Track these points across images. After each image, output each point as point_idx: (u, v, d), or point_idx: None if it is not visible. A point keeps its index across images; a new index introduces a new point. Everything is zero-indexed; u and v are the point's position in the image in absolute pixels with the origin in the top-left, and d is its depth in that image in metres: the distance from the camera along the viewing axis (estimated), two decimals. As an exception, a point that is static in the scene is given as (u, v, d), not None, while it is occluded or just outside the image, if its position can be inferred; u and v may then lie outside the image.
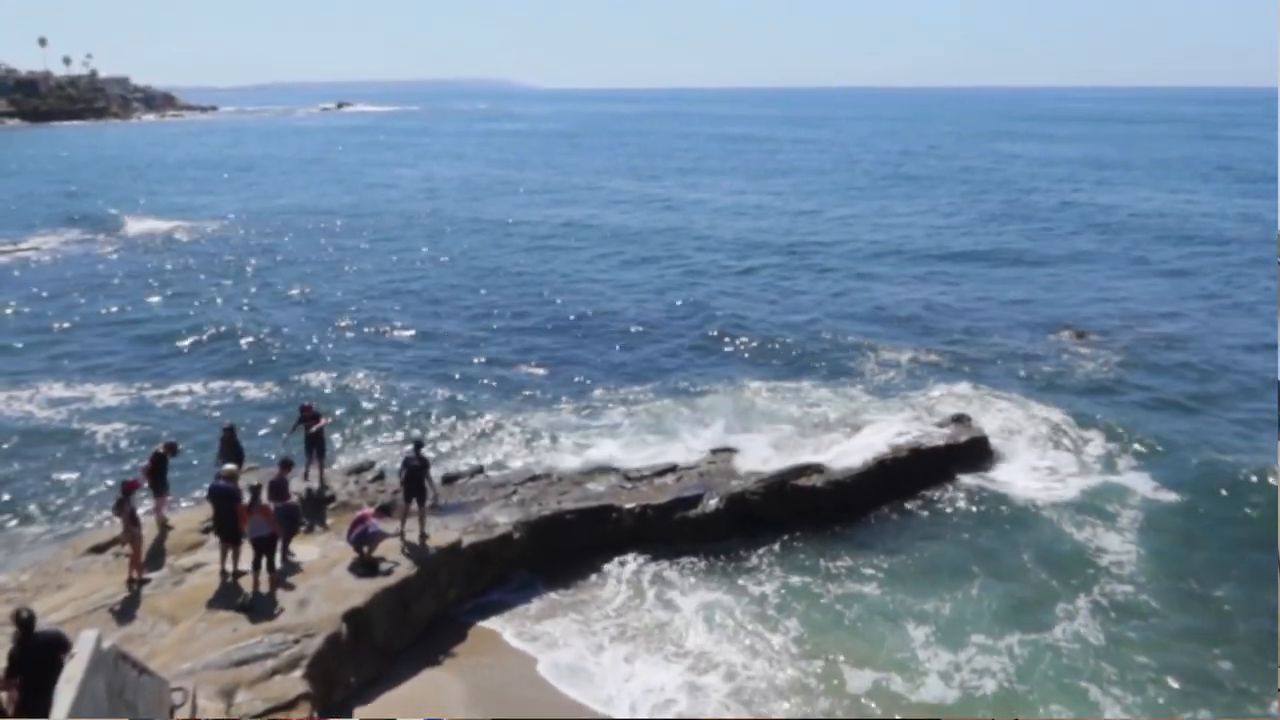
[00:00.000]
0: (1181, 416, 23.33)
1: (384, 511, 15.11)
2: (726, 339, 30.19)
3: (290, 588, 13.72)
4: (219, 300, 36.83)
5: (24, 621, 8.51)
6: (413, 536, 15.29)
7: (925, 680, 13.39)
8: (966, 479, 19.38)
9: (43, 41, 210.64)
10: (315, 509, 16.41)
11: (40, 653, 8.36)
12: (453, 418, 23.52)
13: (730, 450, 19.94)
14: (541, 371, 27.54)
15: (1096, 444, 21.12)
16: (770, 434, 21.32)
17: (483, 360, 28.69)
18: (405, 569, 14.47)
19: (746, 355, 28.84)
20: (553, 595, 15.71)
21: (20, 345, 30.77)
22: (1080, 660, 13.79)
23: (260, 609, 13.12)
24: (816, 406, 23.83)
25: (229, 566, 13.93)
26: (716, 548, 17.02)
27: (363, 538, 14.42)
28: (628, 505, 17.34)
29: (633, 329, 31.76)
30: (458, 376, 27.02)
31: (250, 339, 30.53)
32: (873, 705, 12.93)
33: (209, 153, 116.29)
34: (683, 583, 16.02)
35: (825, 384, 25.65)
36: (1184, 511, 18.26)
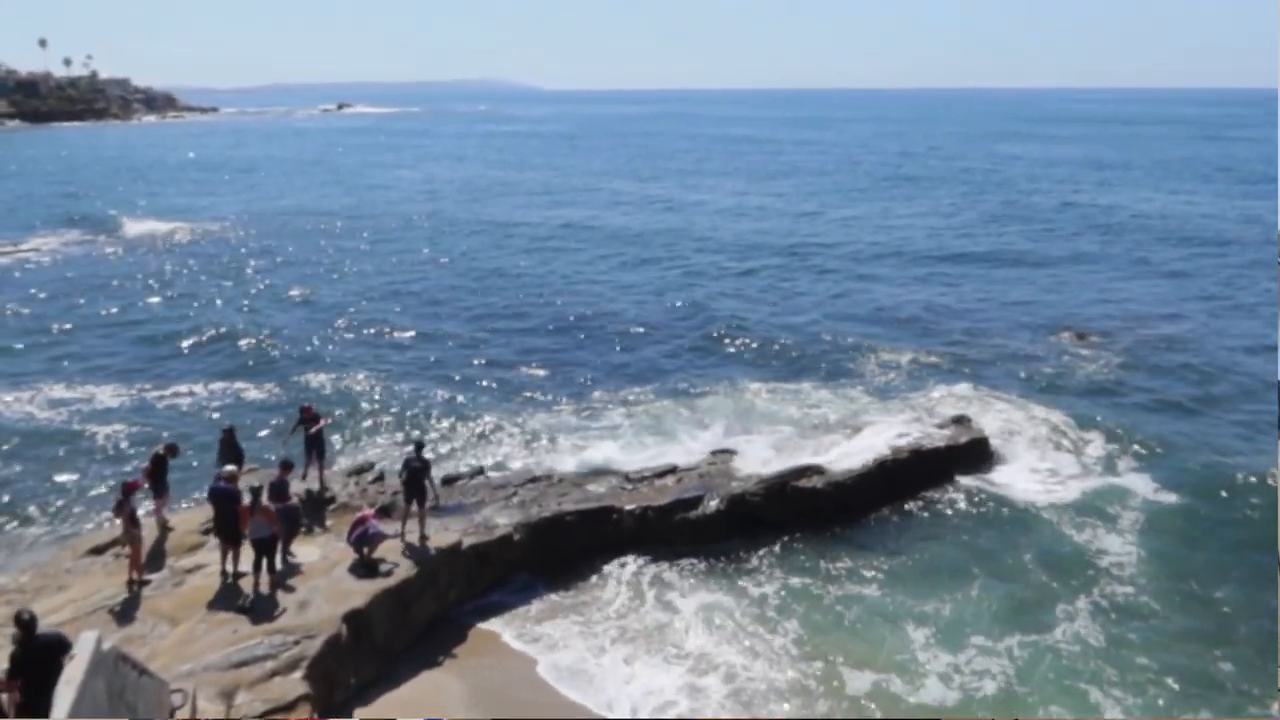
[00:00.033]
0: (1182, 418, 23.32)
1: (384, 513, 15.10)
2: (727, 340, 30.19)
3: (290, 589, 13.72)
4: (219, 301, 36.85)
5: (25, 623, 8.51)
6: (413, 538, 15.29)
7: (925, 682, 13.38)
8: (967, 480, 19.37)
9: (43, 43, 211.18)
10: (315, 510, 16.41)
11: (41, 654, 8.36)
12: (453, 419, 23.52)
13: (730, 451, 19.95)
14: (542, 373, 27.54)
15: (1097, 445, 21.12)
16: (770, 435, 21.33)
17: (483, 361, 28.70)
18: (405, 570, 14.47)
19: (747, 356, 28.84)
20: (553, 596, 15.71)
21: (20, 346, 30.79)
22: (1080, 662, 13.78)
23: (260, 610, 13.12)
24: (817, 408, 23.83)
25: (229, 568, 13.93)
26: (717, 549, 17.02)
27: (363, 539, 14.43)
28: (628, 506, 17.34)
29: (633, 330, 31.77)
30: (458, 378, 27.03)
31: (250, 340, 30.53)
32: (872, 707, 12.93)
33: (209, 154, 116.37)
34: (683, 584, 16.02)
35: (825, 385, 25.64)
36: (1184, 513, 18.25)
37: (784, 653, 14.06)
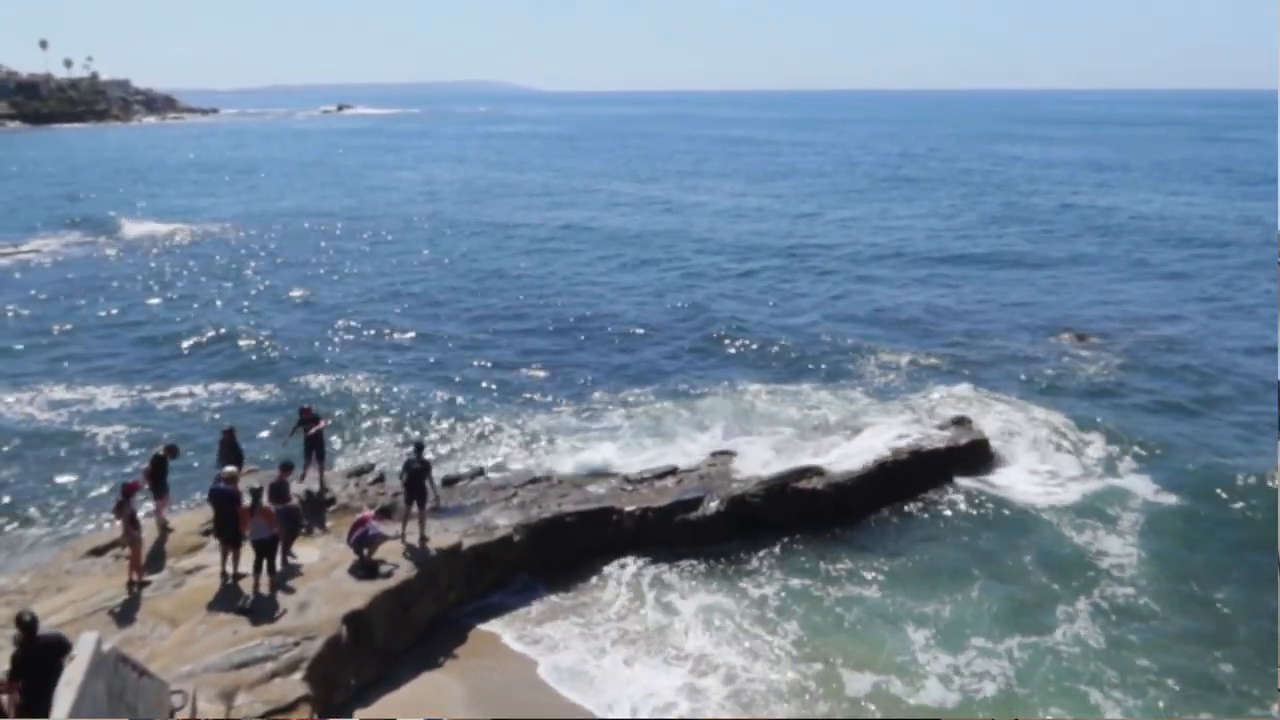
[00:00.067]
0: (1182, 419, 23.32)
1: (384, 514, 15.10)
2: (726, 341, 30.19)
3: (290, 590, 13.72)
4: (219, 302, 36.86)
5: (27, 624, 8.51)
6: (413, 539, 15.29)
7: (925, 683, 13.38)
8: (967, 482, 19.37)
9: (44, 44, 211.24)
10: (315, 512, 16.41)
11: (42, 656, 8.36)
12: (453, 420, 23.52)
13: (730, 453, 19.95)
14: (542, 374, 27.54)
15: (1097, 447, 21.11)
16: (770, 436, 21.33)
17: (483, 363, 28.70)
18: (405, 571, 14.47)
19: (746, 358, 28.84)
20: (553, 598, 15.71)
21: (20, 347, 30.79)
22: (1081, 663, 13.78)
23: (260, 611, 13.11)
24: (816, 409, 23.83)
25: (229, 569, 13.93)
26: (717, 550, 17.02)
27: (363, 540, 14.43)
28: (628, 508, 17.34)
29: (633, 331, 31.77)
30: (458, 379, 27.03)
31: (250, 341, 30.54)
32: (872, 708, 12.93)
33: (210, 155, 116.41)
34: (683, 585, 16.02)
35: (825, 386, 25.65)
36: (1184, 514, 18.25)
37: (784, 654, 14.07)
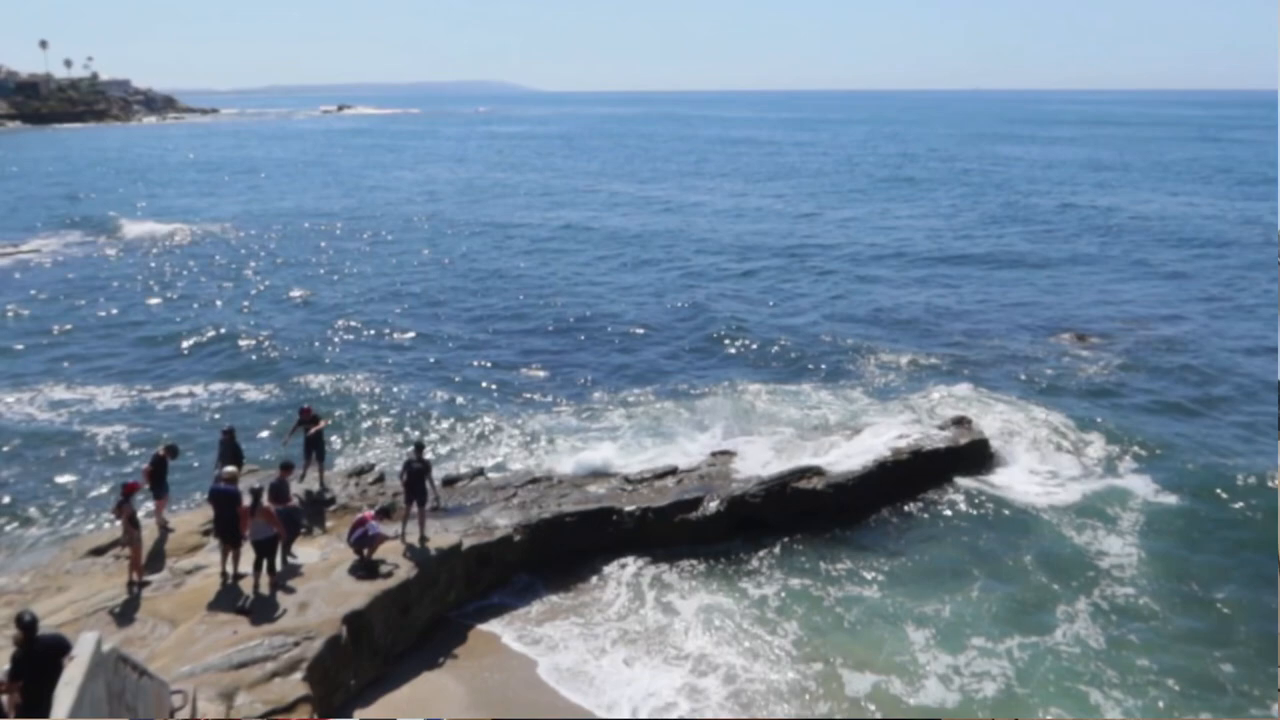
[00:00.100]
0: (1182, 419, 23.33)
1: (384, 514, 15.09)
2: (726, 341, 30.19)
3: (290, 590, 13.72)
4: (219, 303, 36.85)
5: (27, 625, 8.50)
6: (413, 539, 15.29)
7: (925, 683, 13.37)
8: (967, 481, 19.37)
9: (44, 44, 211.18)
10: (315, 511, 16.41)
11: (43, 656, 8.35)
12: (452, 420, 23.52)
13: (730, 453, 19.95)
14: (542, 374, 27.54)
15: (1097, 447, 21.11)
16: (770, 436, 21.33)
17: (483, 363, 28.70)
18: (405, 571, 14.46)
19: (746, 357, 28.84)
20: (553, 598, 15.70)
21: (20, 347, 30.78)
22: (1081, 663, 13.78)
23: (260, 611, 13.11)
24: (816, 409, 23.83)
25: (229, 569, 13.93)
26: (717, 550, 17.02)
27: (363, 540, 14.43)
28: (628, 508, 17.34)
29: (633, 331, 31.77)
30: (458, 379, 27.03)
31: (250, 341, 30.54)
32: (872, 708, 12.92)
33: (210, 155, 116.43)
34: (683, 585, 16.02)
35: (825, 386, 25.65)
36: (1185, 514, 18.25)
37: (784, 654, 14.06)
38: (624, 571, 16.39)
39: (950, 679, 13.47)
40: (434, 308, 35.84)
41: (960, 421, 21.16)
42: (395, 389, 25.81)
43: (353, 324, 33.13)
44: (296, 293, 38.19)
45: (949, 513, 18.47)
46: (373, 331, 32.37)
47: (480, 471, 19.29)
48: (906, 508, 18.55)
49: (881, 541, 17.47)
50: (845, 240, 49.22)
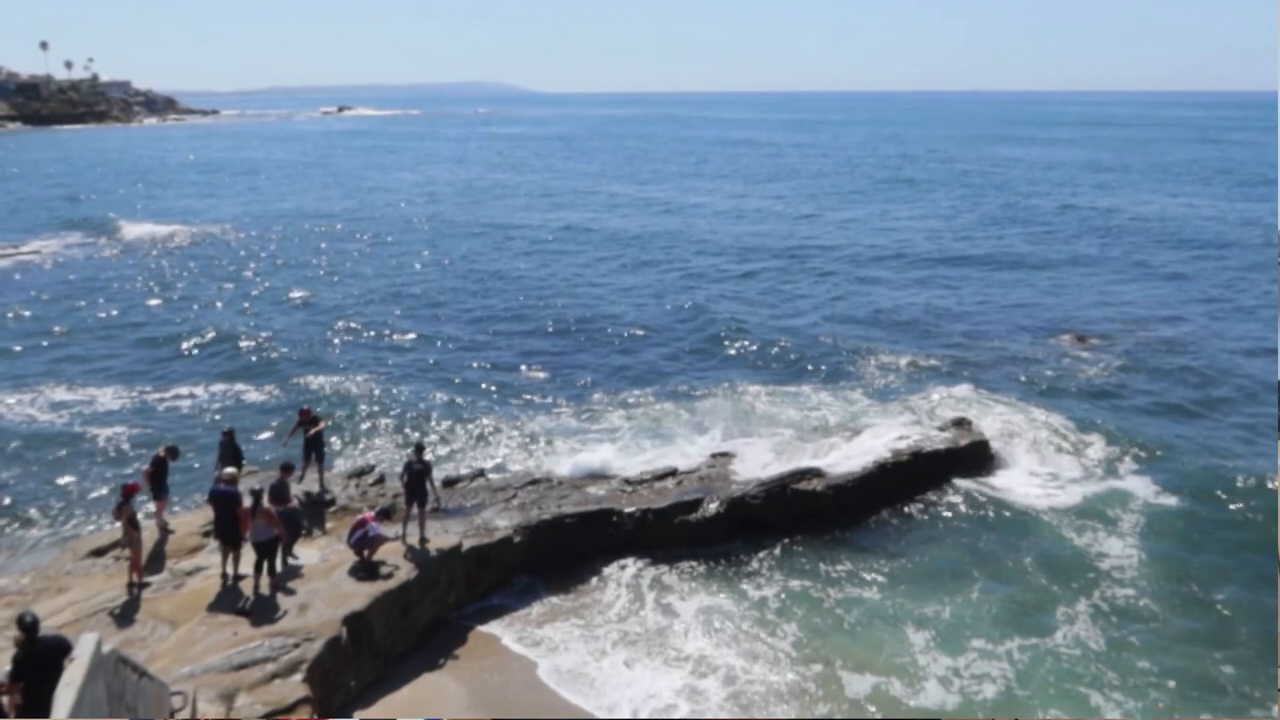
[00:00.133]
0: (1182, 421, 23.33)
1: (384, 515, 15.10)
2: (726, 342, 30.19)
3: (291, 591, 13.72)
4: (220, 304, 36.87)
5: (28, 625, 8.50)
6: (413, 540, 15.29)
7: (925, 685, 13.37)
8: (967, 483, 19.36)
9: (44, 45, 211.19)
10: (315, 513, 16.41)
11: (44, 658, 8.35)
12: (452, 421, 23.52)
13: (730, 454, 19.95)
14: (542, 375, 27.55)
15: (1097, 448, 21.11)
16: (770, 438, 21.33)
17: (482, 364, 28.71)
18: (405, 572, 14.47)
19: (746, 359, 28.84)
20: (553, 599, 15.71)
21: (21, 349, 30.79)
22: (1081, 665, 13.77)
23: (261, 612, 13.11)
24: (816, 410, 23.83)
25: (230, 570, 13.93)
26: (717, 551, 17.02)
27: (363, 541, 14.43)
28: (628, 509, 17.34)
29: (633, 332, 31.78)
30: (457, 380, 27.03)
31: (251, 342, 30.55)
32: (872, 709, 12.92)
33: (210, 156, 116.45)
34: (683, 587, 16.02)
35: (825, 388, 25.65)
36: (1185, 516, 18.25)
37: (783, 655, 14.06)
38: (624, 573, 16.39)
39: (950, 681, 13.47)
40: (434, 309, 35.85)
41: (960, 423, 21.16)
42: (395, 390, 25.82)
43: (353, 325, 33.14)
44: (296, 294, 38.21)
45: (949, 514, 18.47)
46: (373, 333, 32.38)
47: (480, 473, 19.30)
48: (906, 509, 18.56)
49: (881, 543, 17.47)
50: (845, 241, 49.23)
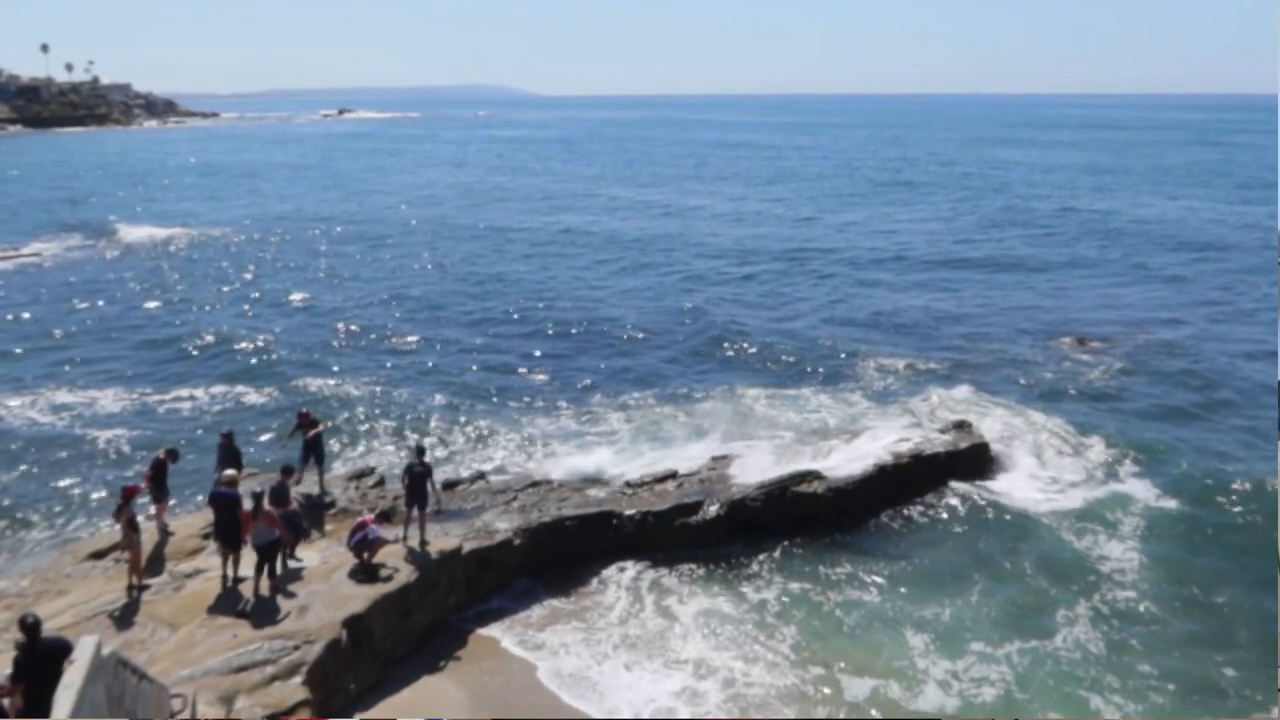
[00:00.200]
0: (1183, 424, 23.32)
1: (384, 517, 15.10)
2: (726, 345, 30.20)
3: (291, 594, 13.72)
4: (220, 306, 36.88)
5: (30, 627, 8.51)
6: (413, 542, 15.29)
7: (924, 688, 13.37)
8: (967, 486, 19.34)
9: (45, 48, 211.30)
10: (314, 515, 16.41)
11: (45, 659, 8.35)
12: (452, 424, 23.53)
13: (730, 457, 19.94)
14: (541, 377, 27.55)
15: (1097, 451, 21.09)
16: (770, 440, 21.32)
17: (482, 366, 28.71)
18: (405, 575, 14.46)
19: (746, 361, 28.85)
20: (554, 602, 15.70)
21: (21, 351, 30.79)
22: (1081, 667, 13.76)
23: (260, 615, 13.11)
24: (816, 413, 23.83)
25: (229, 572, 13.93)
26: (717, 554, 17.01)
27: (363, 543, 14.43)
28: (628, 511, 17.34)
29: (632, 335, 31.78)
30: (457, 382, 27.03)
31: (250, 345, 30.56)
32: (871, 712, 12.91)
33: (210, 159, 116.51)
34: (683, 589, 16.01)
35: (825, 390, 25.65)
36: (1185, 519, 18.24)
37: (783, 658, 14.05)
38: (624, 575, 16.38)
39: (950, 684, 13.46)
40: (433, 311, 35.86)
41: (960, 425, 21.15)
42: (395, 393, 25.82)
43: (352, 328, 33.15)
44: (296, 296, 38.22)
45: (949, 517, 18.46)
46: (372, 335, 32.39)
47: (480, 475, 19.30)
48: (906, 512, 18.55)
49: (881, 545, 17.47)
50: (844, 244, 49.26)
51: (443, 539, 15.66)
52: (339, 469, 19.85)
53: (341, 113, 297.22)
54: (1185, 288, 38.35)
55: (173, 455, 15.87)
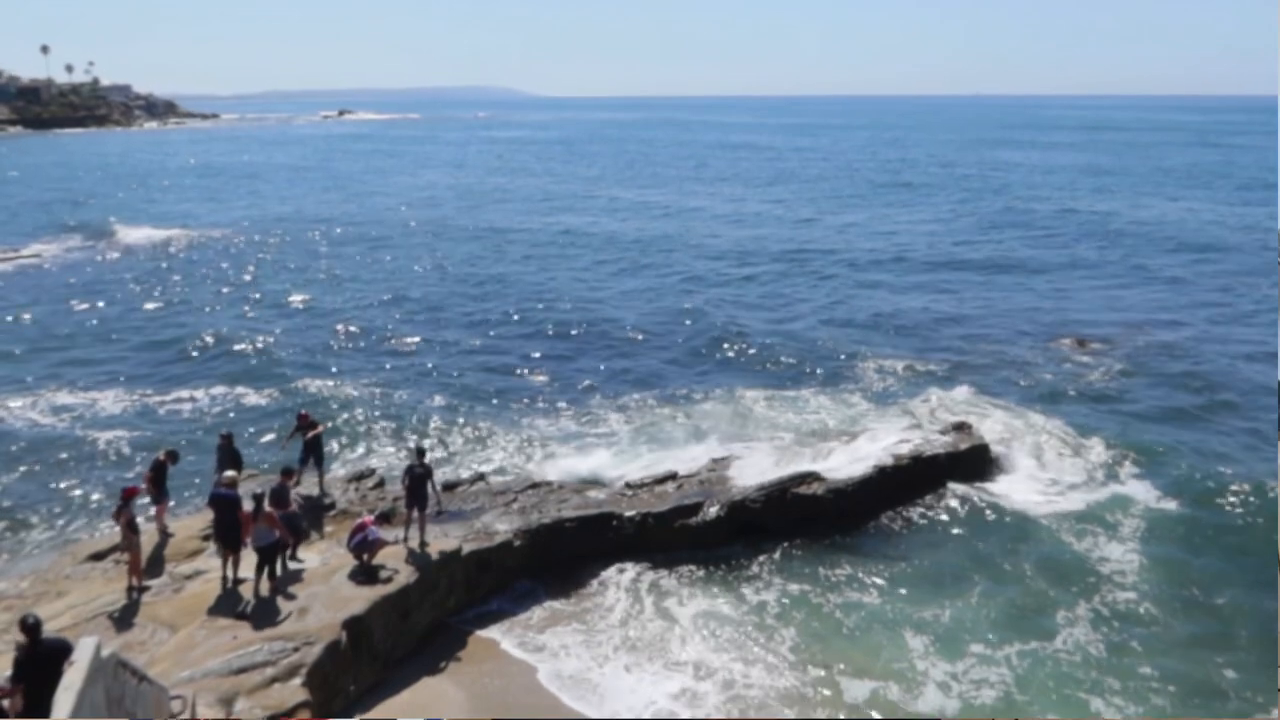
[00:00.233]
0: (1182, 425, 23.32)
1: (384, 519, 15.10)
2: (725, 346, 30.21)
3: (290, 595, 13.71)
4: (219, 308, 36.88)
5: (31, 627, 8.52)
6: (413, 544, 15.28)
7: (924, 690, 13.36)
8: (967, 487, 19.33)
9: (45, 49, 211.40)
10: (314, 517, 16.40)
11: (46, 660, 8.36)
12: (451, 425, 23.53)
13: (730, 458, 19.95)
14: (541, 379, 27.56)
15: (1097, 452, 21.08)
16: (770, 442, 21.33)
17: (482, 368, 28.70)
18: (405, 577, 14.46)
19: (745, 362, 28.85)
20: (554, 603, 15.70)
21: (21, 352, 30.78)
22: (1081, 669, 13.76)
23: (260, 616, 13.10)
24: (816, 414, 23.84)
25: (229, 573, 13.92)
26: (716, 555, 17.01)
27: (363, 545, 14.42)
28: (628, 513, 17.34)
29: (632, 336, 31.79)
30: (457, 384, 27.03)
31: (250, 346, 30.56)
32: (872, 714, 12.91)
33: (210, 160, 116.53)
34: (682, 591, 16.01)
35: (824, 391, 25.66)
36: (1185, 520, 18.23)
37: (783, 660, 14.05)
38: (624, 577, 16.38)
39: (949, 685, 13.46)
40: (433, 312, 35.86)
41: (960, 427, 21.15)
42: (394, 394, 25.82)
43: (352, 329, 33.16)
44: (296, 298, 38.23)
45: (948, 518, 18.46)
46: (372, 336, 32.39)
47: (480, 476, 19.30)
48: (906, 513, 18.54)
49: (881, 547, 17.47)
50: (844, 245, 49.28)
51: (442, 540, 15.66)
52: (339, 470, 19.85)
53: (341, 114, 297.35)
54: (1185, 289, 38.36)
55: (173, 457, 15.86)
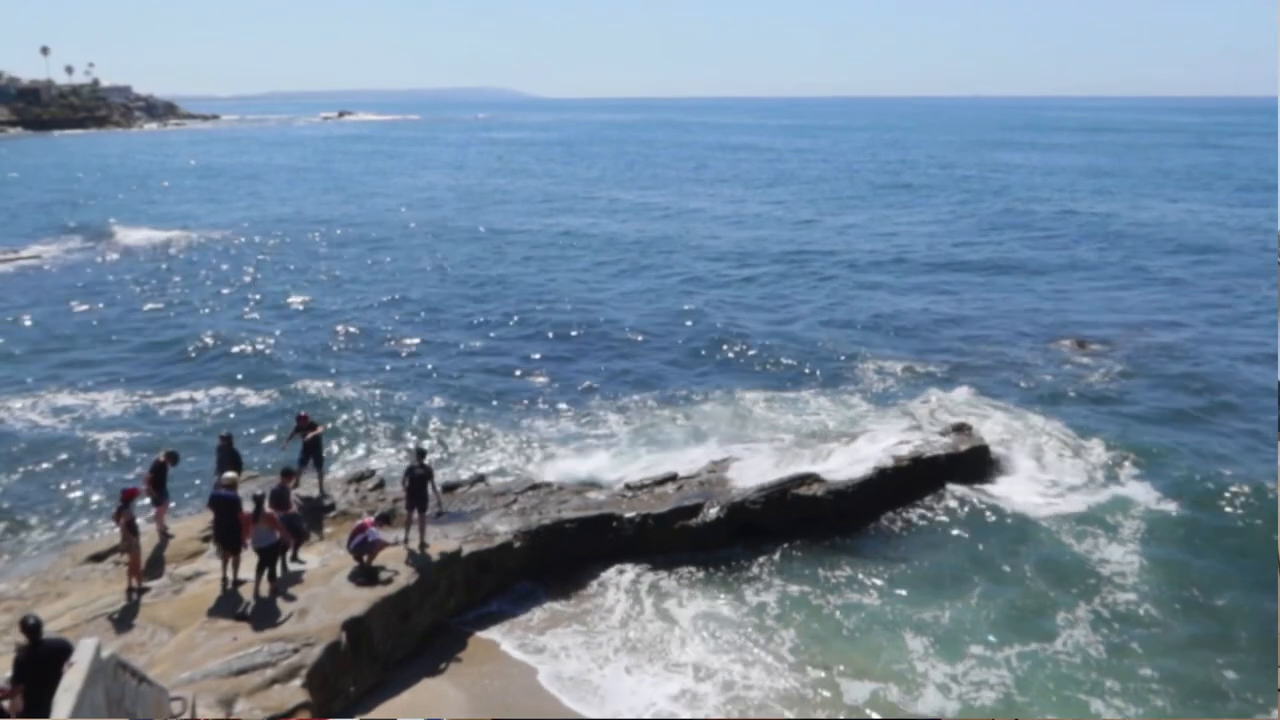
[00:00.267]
0: (1183, 426, 23.32)
1: (384, 520, 15.10)
2: (725, 348, 30.21)
3: (290, 597, 13.71)
4: (219, 309, 36.89)
5: (32, 628, 8.52)
6: (413, 545, 15.28)
7: (923, 691, 13.36)
8: (966, 489, 19.33)
9: (45, 50, 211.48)
10: (314, 518, 16.40)
11: (47, 661, 8.36)
12: (451, 426, 23.53)
13: (730, 459, 19.95)
14: (541, 380, 27.56)
15: (1097, 454, 21.09)
16: (769, 443, 21.34)
17: (482, 369, 28.71)
18: (405, 578, 14.46)
19: (745, 364, 28.85)
20: (553, 605, 15.70)
21: (21, 353, 30.79)
22: (1081, 670, 13.76)
23: (260, 617, 13.10)
24: (816, 415, 23.84)
25: (229, 575, 13.92)
26: (716, 557, 17.00)
27: (363, 546, 14.42)
28: (628, 514, 17.34)
29: (632, 338, 31.79)
30: (457, 385, 27.04)
31: (250, 347, 30.57)
32: (872, 715, 12.91)
33: (210, 161, 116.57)
34: (682, 592, 16.01)
35: (824, 393, 25.66)
36: (1185, 521, 18.24)
37: (782, 661, 14.05)
38: (624, 578, 16.37)
39: (949, 687, 13.46)
40: (433, 314, 35.87)
41: (960, 428, 21.14)
42: (394, 395, 25.83)
43: (352, 330, 33.17)
44: (296, 299, 38.23)
45: (948, 520, 18.46)
46: (372, 338, 32.40)
47: (480, 478, 19.30)
48: (906, 515, 18.54)
49: (881, 548, 17.46)
50: (844, 246, 49.29)
51: (442, 541, 15.65)
52: (338, 471, 19.85)
53: (341, 115, 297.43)
54: (1185, 290, 38.37)
55: (173, 458, 15.85)
